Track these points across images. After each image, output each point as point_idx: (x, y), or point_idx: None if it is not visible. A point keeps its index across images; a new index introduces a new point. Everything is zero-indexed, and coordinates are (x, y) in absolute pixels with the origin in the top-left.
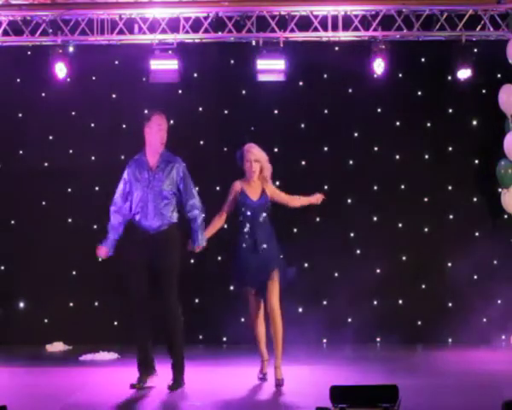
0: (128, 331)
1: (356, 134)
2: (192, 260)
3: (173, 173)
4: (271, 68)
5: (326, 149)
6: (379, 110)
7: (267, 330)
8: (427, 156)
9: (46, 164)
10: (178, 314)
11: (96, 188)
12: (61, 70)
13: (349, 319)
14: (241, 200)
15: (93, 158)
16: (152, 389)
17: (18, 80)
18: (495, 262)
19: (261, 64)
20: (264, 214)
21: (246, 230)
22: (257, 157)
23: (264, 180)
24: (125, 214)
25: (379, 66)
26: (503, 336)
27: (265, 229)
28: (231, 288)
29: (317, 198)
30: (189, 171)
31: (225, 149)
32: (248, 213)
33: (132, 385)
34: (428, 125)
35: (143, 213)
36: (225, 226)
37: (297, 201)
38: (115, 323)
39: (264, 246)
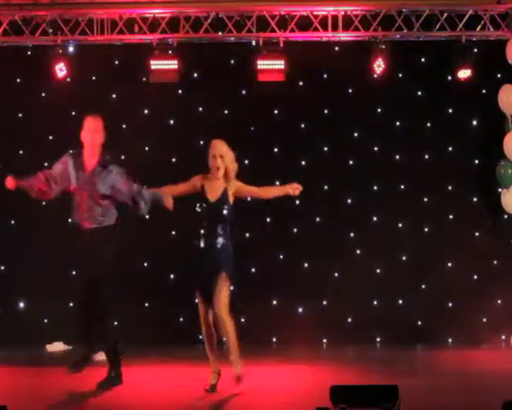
0: (127, 332)
1: (356, 134)
2: None
3: (110, 178)
4: (271, 68)
5: (326, 149)
6: (379, 110)
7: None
8: (427, 156)
9: (46, 164)
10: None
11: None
12: (61, 70)
13: (349, 319)
14: (199, 197)
15: None
16: (150, 388)
17: (18, 80)
18: (495, 262)
19: (261, 64)
20: (223, 215)
21: (201, 229)
22: (221, 153)
23: (228, 179)
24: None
25: (379, 66)
26: (503, 336)
27: (222, 231)
28: (231, 288)
29: (293, 188)
30: (189, 171)
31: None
32: (204, 212)
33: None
34: (428, 125)
35: (78, 213)
36: None
37: (270, 191)
38: (115, 323)
39: (218, 247)
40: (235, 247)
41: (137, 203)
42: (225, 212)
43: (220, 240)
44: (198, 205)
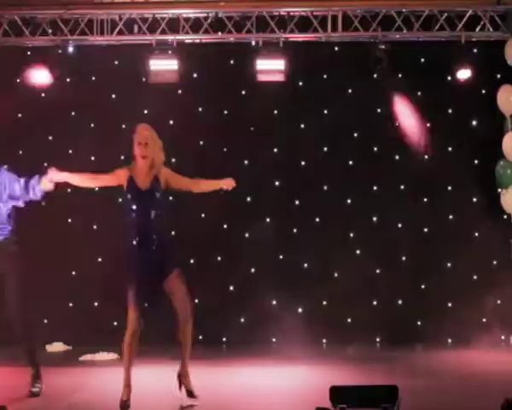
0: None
1: (356, 134)
2: (192, 261)
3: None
4: (271, 68)
5: (326, 149)
6: (379, 110)
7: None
8: (427, 156)
9: (46, 164)
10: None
11: (96, 188)
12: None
13: (349, 319)
14: (129, 188)
15: (93, 158)
16: (149, 389)
17: (18, 80)
18: (494, 262)
19: (261, 64)
20: (157, 207)
21: (135, 224)
22: (147, 141)
23: (156, 168)
24: None
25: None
26: (503, 336)
27: (158, 224)
28: (231, 288)
29: (227, 183)
30: (189, 171)
31: (225, 149)
32: (136, 204)
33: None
34: (428, 125)
35: None
36: (225, 226)
37: (202, 184)
38: (115, 323)
39: (156, 243)
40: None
41: None
42: (160, 201)
43: (156, 233)
44: (126, 203)
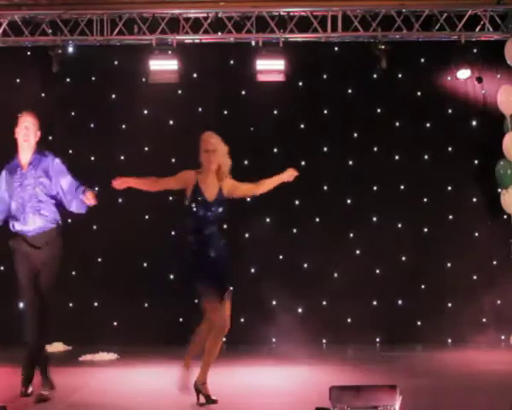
0: (127, 332)
1: (356, 134)
2: None
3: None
4: (271, 68)
5: (326, 149)
6: (379, 110)
7: None
8: (426, 156)
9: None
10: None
11: (96, 188)
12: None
13: (349, 319)
14: (194, 196)
15: (93, 158)
16: (150, 389)
17: (18, 80)
18: (494, 262)
19: (261, 64)
20: (219, 217)
21: (195, 231)
22: (215, 147)
23: (222, 176)
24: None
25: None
26: (503, 336)
27: (217, 236)
28: (231, 288)
29: (289, 175)
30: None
31: None
32: (201, 212)
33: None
34: (428, 125)
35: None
36: (224, 226)
37: (265, 185)
38: (115, 323)
39: (212, 255)
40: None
41: None
42: (221, 213)
43: (214, 245)
44: (194, 204)
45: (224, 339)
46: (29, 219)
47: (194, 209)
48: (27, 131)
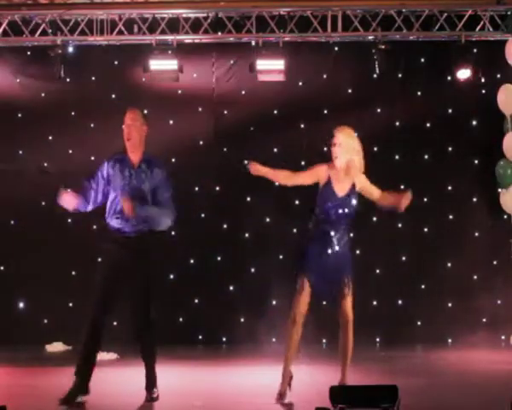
0: (127, 332)
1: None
2: (192, 261)
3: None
4: (271, 68)
5: (326, 149)
6: (379, 110)
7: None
8: (427, 156)
9: (46, 164)
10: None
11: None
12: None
13: None
14: (325, 191)
15: (93, 158)
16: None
17: (18, 80)
18: (495, 262)
19: (261, 64)
20: (348, 214)
21: (322, 223)
22: (340, 141)
23: (352, 171)
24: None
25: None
26: (503, 336)
27: (345, 228)
28: (231, 288)
29: (406, 199)
30: (189, 171)
31: (225, 149)
32: (331, 209)
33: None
34: (428, 125)
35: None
36: (225, 226)
37: (387, 198)
38: (115, 323)
39: (337, 249)
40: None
41: None
42: (352, 212)
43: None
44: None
45: (224, 339)
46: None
47: (324, 205)
48: (129, 130)
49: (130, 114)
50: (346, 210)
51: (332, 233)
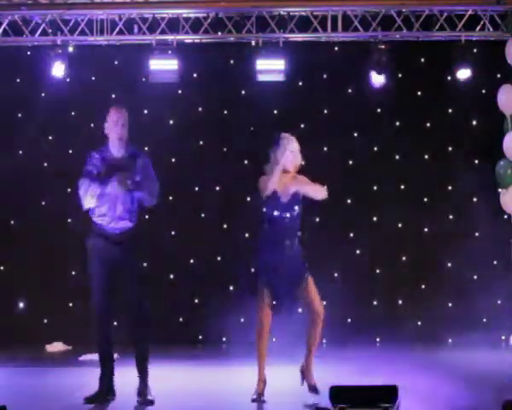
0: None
1: (356, 134)
2: (192, 261)
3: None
4: (271, 68)
5: (326, 149)
6: (379, 110)
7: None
8: (427, 156)
9: (46, 164)
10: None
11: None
12: (59, 70)
13: (349, 319)
14: (270, 196)
15: None
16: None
17: (18, 80)
18: (495, 262)
19: (261, 64)
20: (295, 213)
21: (271, 228)
22: (295, 149)
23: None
24: None
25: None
26: (503, 336)
27: (292, 231)
28: (231, 288)
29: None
30: (189, 171)
31: (225, 149)
32: (276, 212)
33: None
34: (428, 125)
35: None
36: (225, 226)
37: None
38: (115, 323)
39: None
40: None
41: None
42: (297, 208)
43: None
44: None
45: (224, 339)
46: None
47: (269, 207)
48: (122, 130)
49: (118, 113)
50: (291, 214)
51: (282, 239)
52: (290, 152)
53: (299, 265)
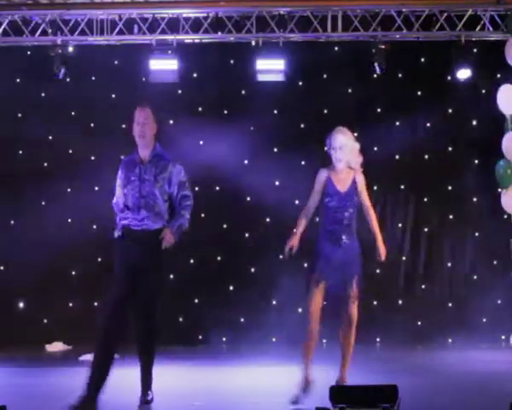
0: (127, 332)
1: (356, 134)
2: (192, 261)
3: (167, 171)
4: (271, 68)
5: (326, 148)
6: (379, 110)
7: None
8: (427, 156)
9: (46, 164)
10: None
11: (96, 188)
12: (59, 70)
13: None
14: (327, 189)
15: (93, 158)
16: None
17: (18, 80)
18: (495, 262)
19: (261, 64)
20: (351, 209)
21: (329, 221)
22: (341, 144)
23: (353, 172)
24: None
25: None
26: (503, 336)
27: (351, 225)
28: (231, 288)
29: (382, 252)
30: (189, 171)
31: (225, 148)
32: (333, 203)
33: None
34: (428, 125)
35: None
36: (224, 226)
37: (371, 222)
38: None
39: (346, 244)
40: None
41: None
42: (355, 203)
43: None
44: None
45: (224, 339)
46: None
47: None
48: (143, 128)
49: (142, 113)
50: (350, 206)
51: (339, 230)
52: (335, 150)
53: (355, 261)
